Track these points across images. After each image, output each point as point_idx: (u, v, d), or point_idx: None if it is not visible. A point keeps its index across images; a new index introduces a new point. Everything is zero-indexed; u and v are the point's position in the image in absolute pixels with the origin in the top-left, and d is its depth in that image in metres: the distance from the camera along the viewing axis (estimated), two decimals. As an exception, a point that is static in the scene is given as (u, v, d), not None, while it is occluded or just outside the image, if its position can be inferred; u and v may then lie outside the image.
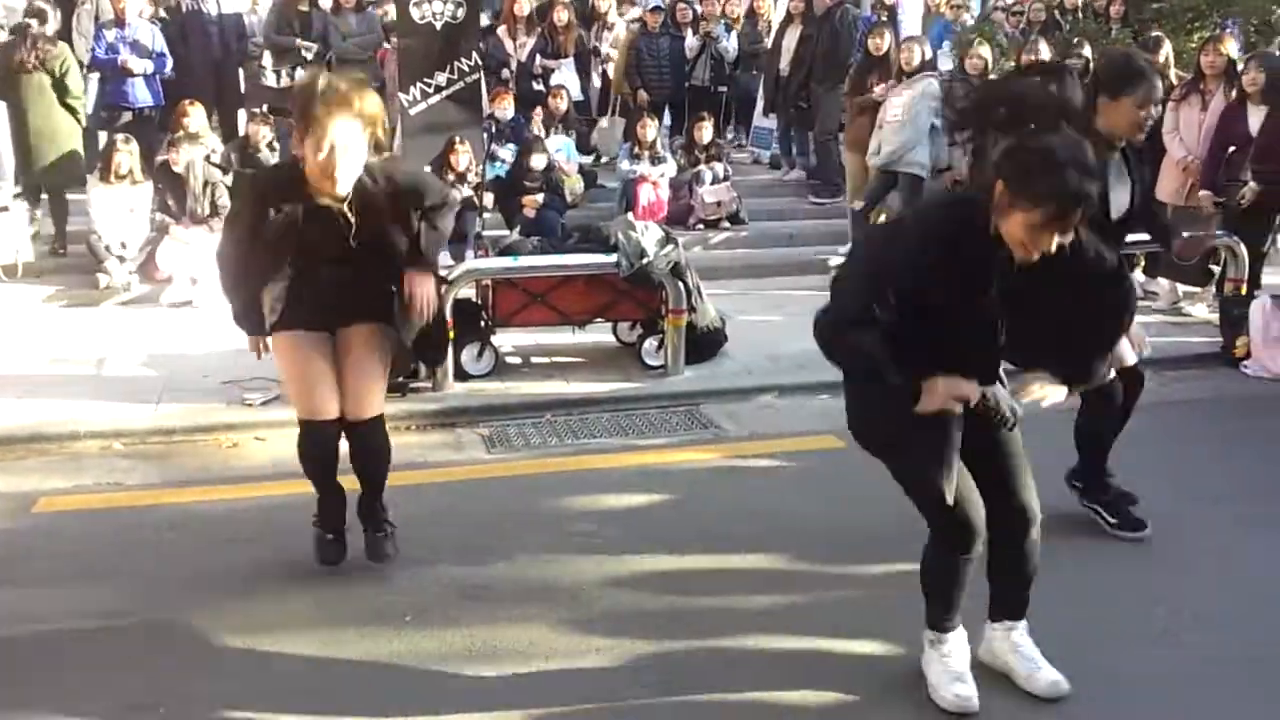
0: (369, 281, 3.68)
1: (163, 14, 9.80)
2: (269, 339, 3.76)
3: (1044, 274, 2.76)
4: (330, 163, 3.39)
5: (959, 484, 2.94)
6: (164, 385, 5.96)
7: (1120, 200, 3.81)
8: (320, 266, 3.60)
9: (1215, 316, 6.92)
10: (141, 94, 9.07)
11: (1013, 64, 9.33)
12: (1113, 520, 4.19)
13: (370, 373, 3.74)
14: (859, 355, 2.85)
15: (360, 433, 3.76)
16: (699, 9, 11.37)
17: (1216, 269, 7.13)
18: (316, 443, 3.73)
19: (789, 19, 10.32)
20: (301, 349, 3.67)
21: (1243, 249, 6.70)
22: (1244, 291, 6.74)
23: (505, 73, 10.25)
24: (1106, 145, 3.61)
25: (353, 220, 3.51)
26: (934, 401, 2.80)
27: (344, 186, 3.46)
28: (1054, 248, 2.69)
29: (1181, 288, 7.73)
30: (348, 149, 3.40)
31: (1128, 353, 4.03)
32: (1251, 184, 6.86)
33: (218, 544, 4.14)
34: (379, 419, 3.79)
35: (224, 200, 8.33)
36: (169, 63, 9.23)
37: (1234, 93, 7.14)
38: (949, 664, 3.12)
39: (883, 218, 9.22)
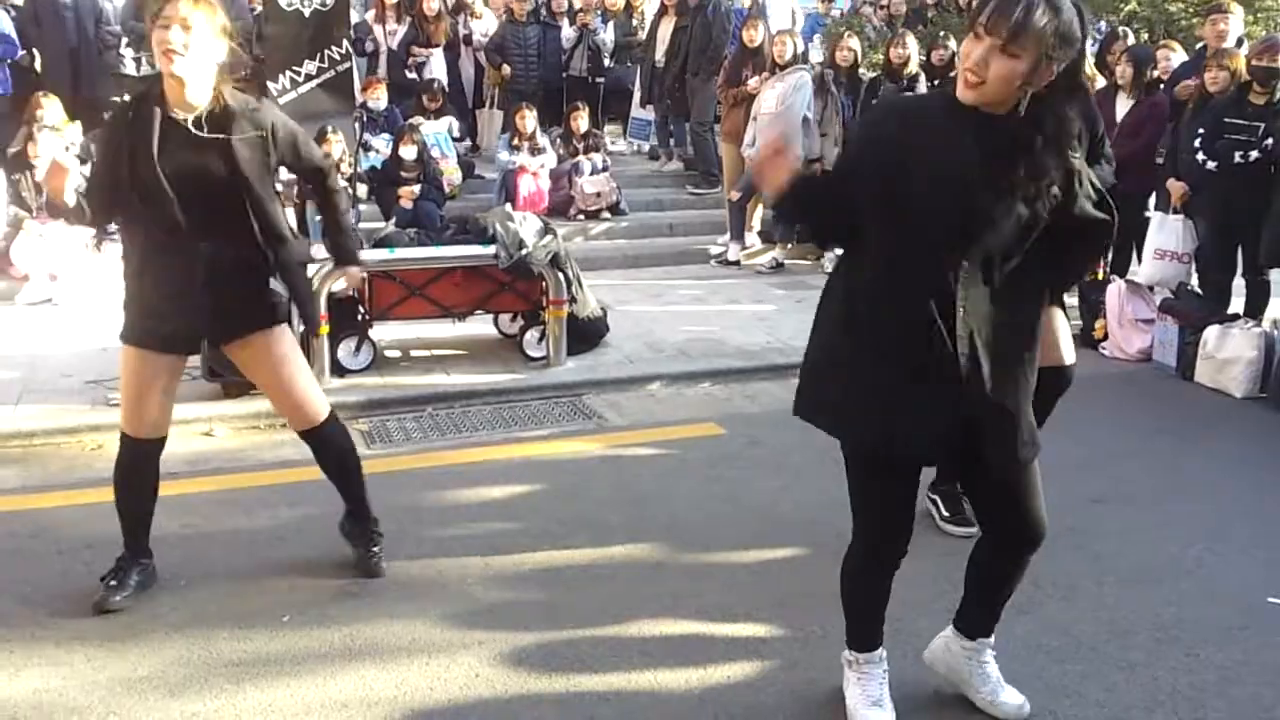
0: (234, 263, 3.36)
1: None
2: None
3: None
4: (165, 38, 3.11)
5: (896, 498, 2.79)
6: (23, 386, 5.71)
7: None
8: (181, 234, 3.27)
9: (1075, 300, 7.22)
10: (-13, 80, 8.65)
11: (881, 56, 9.60)
12: (946, 514, 4.17)
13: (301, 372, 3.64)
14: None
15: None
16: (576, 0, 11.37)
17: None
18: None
19: (663, 10, 10.40)
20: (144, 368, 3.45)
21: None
22: (1101, 277, 7.06)
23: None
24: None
25: (205, 132, 3.23)
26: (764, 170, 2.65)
27: (184, 68, 3.16)
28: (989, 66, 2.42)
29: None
30: (191, 29, 3.15)
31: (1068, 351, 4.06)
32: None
33: (82, 550, 3.98)
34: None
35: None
36: (18, 48, 8.81)
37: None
38: (866, 688, 2.95)
39: (759, 208, 9.41)
